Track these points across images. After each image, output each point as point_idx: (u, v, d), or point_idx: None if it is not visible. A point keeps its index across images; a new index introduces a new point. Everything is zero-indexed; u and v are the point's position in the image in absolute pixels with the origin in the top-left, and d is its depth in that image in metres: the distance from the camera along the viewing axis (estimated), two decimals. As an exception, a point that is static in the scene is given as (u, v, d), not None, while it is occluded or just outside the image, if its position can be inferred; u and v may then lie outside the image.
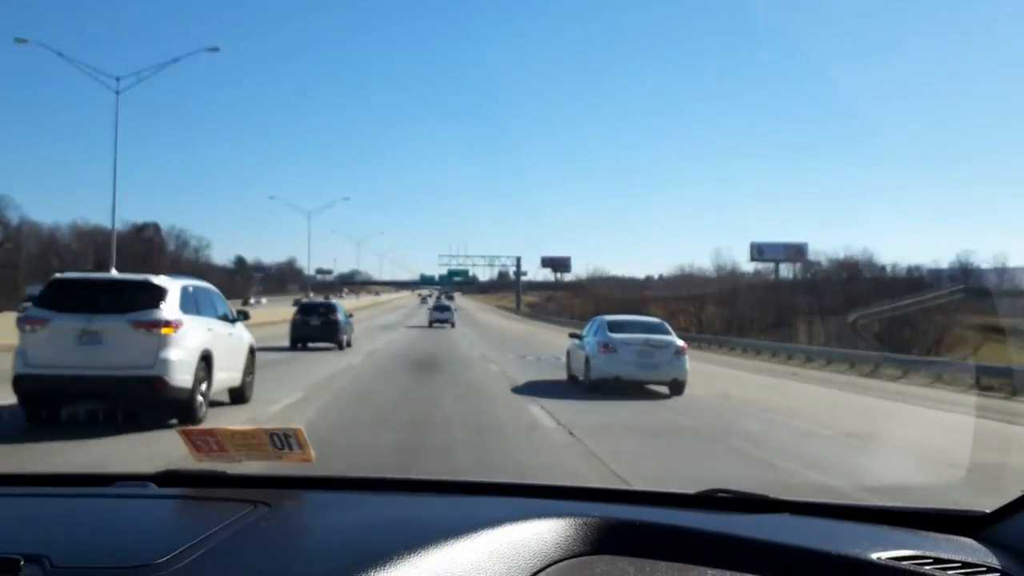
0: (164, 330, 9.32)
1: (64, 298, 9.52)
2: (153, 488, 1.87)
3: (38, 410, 9.34)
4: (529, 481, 2.02)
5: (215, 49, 36.54)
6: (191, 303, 10.11)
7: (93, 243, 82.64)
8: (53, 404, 9.44)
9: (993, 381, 19.94)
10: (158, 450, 7.61)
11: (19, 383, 9.21)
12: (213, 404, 10.48)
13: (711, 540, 1.52)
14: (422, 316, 61.27)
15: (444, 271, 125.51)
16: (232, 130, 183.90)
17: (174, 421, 9.33)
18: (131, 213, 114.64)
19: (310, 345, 25.36)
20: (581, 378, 15.90)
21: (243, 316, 12.20)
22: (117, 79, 32.44)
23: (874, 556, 1.45)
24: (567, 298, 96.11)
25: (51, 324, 9.30)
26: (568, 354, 17.84)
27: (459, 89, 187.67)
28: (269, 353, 20.06)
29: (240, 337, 11.71)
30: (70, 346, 9.17)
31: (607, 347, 15.03)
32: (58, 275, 10.17)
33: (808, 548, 1.47)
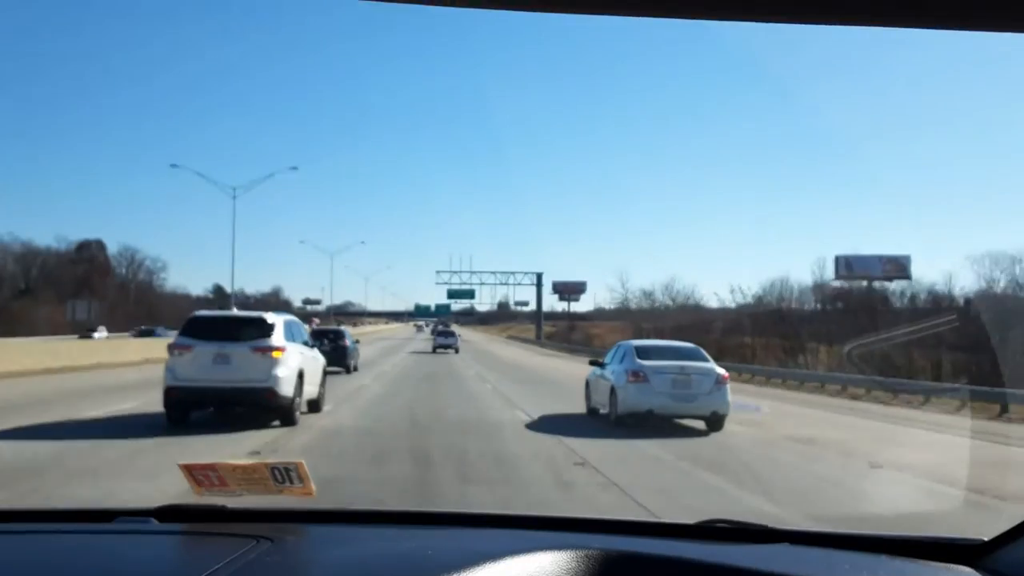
0: (275, 354, 12.35)
1: (202, 329, 12.62)
2: (154, 524, 1.87)
3: (179, 414, 12.23)
4: (531, 513, 2.02)
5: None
6: (290, 333, 13.22)
7: (22, 263, 79.66)
8: (192, 409, 12.47)
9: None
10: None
11: (169, 393, 12.17)
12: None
13: (712, 571, 1.52)
14: (419, 344, 61.91)
15: (440, 300, 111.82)
16: (226, 149, 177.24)
17: (276, 422, 12.30)
18: (88, 232, 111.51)
19: None
20: (604, 411, 14.24)
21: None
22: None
23: None
24: (587, 327, 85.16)
25: (194, 349, 12.36)
26: (587, 384, 15.95)
27: (459, 116, 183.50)
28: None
29: (317, 359, 14.60)
30: (207, 365, 12.18)
31: (637, 376, 13.26)
32: (197, 313, 13.77)
33: None
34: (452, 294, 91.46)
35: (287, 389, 12.28)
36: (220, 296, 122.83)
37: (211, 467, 1.89)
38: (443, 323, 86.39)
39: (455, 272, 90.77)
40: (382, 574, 1.45)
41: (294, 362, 12.76)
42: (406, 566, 1.48)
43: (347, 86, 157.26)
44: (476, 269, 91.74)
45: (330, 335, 28.65)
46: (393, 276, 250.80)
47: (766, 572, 1.50)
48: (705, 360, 14.05)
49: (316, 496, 1.90)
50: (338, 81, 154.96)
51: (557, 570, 1.48)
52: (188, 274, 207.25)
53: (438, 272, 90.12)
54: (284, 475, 1.87)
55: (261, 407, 12.30)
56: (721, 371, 13.71)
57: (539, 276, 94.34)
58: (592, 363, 16.27)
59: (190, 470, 1.89)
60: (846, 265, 58.86)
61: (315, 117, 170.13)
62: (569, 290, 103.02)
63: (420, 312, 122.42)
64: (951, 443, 13.90)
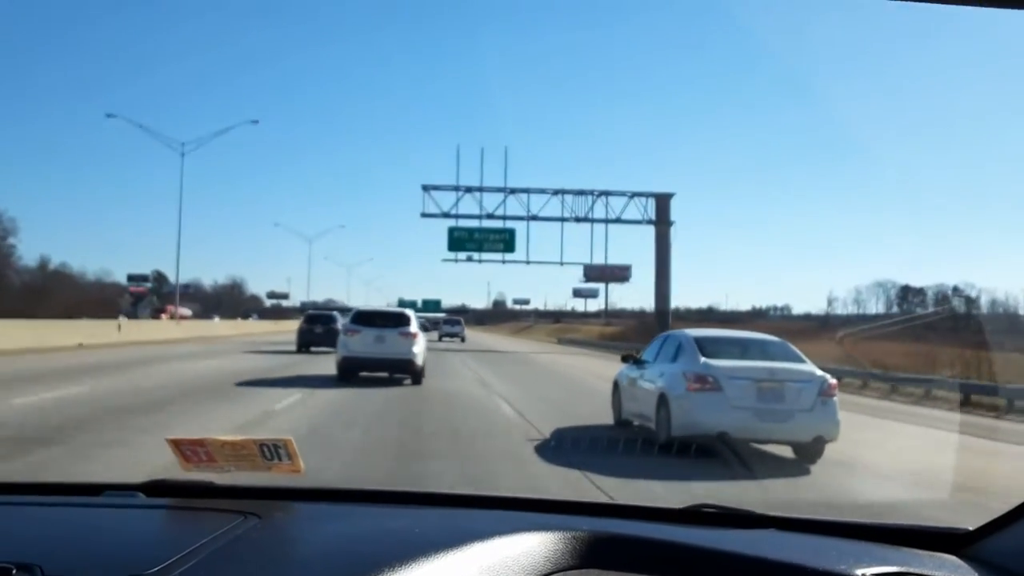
0: (413, 336, 18.50)
1: (364, 319, 19.12)
2: (142, 498, 1.87)
3: (348, 374, 18.16)
4: (519, 495, 2.03)
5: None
6: (418, 324, 19.28)
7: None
8: (356, 371, 18.26)
9: None
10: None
11: (343, 361, 18.45)
12: (395, 382, 17.90)
13: (698, 555, 1.53)
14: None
15: (428, 296, 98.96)
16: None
17: (408, 380, 18.11)
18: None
19: (312, 349, 30.28)
20: (639, 424, 10.86)
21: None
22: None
23: (859, 572, 1.46)
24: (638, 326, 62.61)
25: (361, 332, 18.56)
26: (617, 387, 12.09)
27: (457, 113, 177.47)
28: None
29: (424, 340, 19.53)
30: (370, 343, 18.26)
31: (704, 382, 9.47)
32: (360, 308, 21.69)
33: (793, 563, 1.49)
34: (458, 240, 48.08)
35: (420, 360, 18.35)
36: (160, 284, 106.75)
37: (199, 442, 1.89)
38: (452, 318, 64.40)
39: (460, 189, 46.45)
40: (370, 551, 1.46)
41: (422, 343, 18.82)
42: (394, 543, 1.48)
43: (333, 62, 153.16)
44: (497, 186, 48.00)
45: (323, 319, 31.93)
46: (377, 271, 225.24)
47: (752, 556, 1.51)
48: (800, 360, 10.09)
49: (304, 474, 1.90)
50: (319, 53, 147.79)
51: (544, 550, 1.49)
52: (122, 256, 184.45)
53: (426, 190, 46.51)
54: (273, 451, 1.87)
55: (403, 371, 18.16)
56: (827, 377, 9.68)
57: (661, 198, 47.93)
58: (625, 359, 12.45)
59: (178, 445, 1.88)
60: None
61: (295, 91, 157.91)
62: (607, 276, 70.74)
63: (404, 308, 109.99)
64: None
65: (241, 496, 1.90)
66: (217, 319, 67.77)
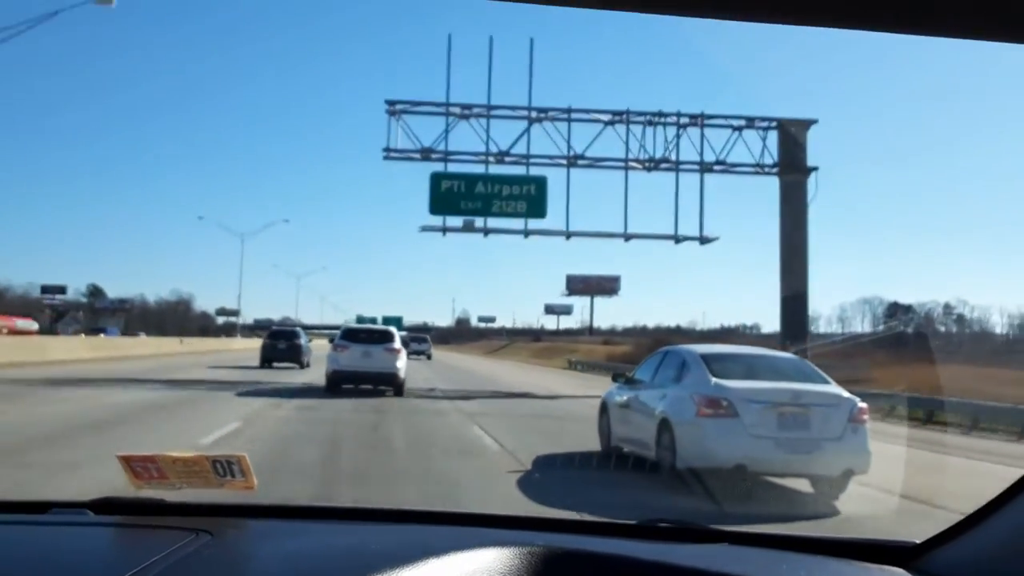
0: (397, 352, 19.99)
1: (352, 336, 20.58)
2: (90, 516, 1.83)
3: (336, 386, 19.43)
4: (474, 511, 2.03)
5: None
6: (401, 341, 20.76)
7: None
8: (344, 383, 19.54)
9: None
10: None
11: (332, 374, 19.66)
12: (378, 392, 19.18)
13: (653, 569, 1.55)
14: None
15: (384, 313, 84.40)
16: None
17: (390, 391, 19.33)
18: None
19: (275, 364, 31.11)
20: (647, 455, 9.09)
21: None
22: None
23: None
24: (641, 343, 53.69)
25: (349, 348, 19.90)
26: (604, 410, 10.85)
27: None
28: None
29: (406, 356, 20.99)
30: (357, 358, 19.59)
31: (717, 406, 8.28)
32: (347, 326, 24.29)
33: None
34: (448, 196, 25.36)
35: (402, 374, 19.86)
36: (96, 296, 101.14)
37: (151, 459, 1.86)
38: (418, 335, 59.04)
39: (450, 109, 25.47)
40: (323, 567, 1.44)
41: (404, 358, 20.33)
42: (349, 560, 1.47)
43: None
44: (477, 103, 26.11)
45: (286, 335, 33.28)
46: (331, 282, 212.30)
47: (706, 571, 1.53)
48: (823, 380, 8.92)
49: (257, 490, 1.88)
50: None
51: (500, 566, 1.49)
52: (58, 268, 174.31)
53: (394, 111, 25.47)
54: (226, 468, 1.85)
55: (387, 384, 19.55)
56: (856, 400, 8.46)
57: (793, 125, 26.60)
58: (616, 377, 11.22)
59: (128, 461, 1.85)
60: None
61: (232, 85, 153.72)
62: (592, 288, 60.79)
63: (363, 324, 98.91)
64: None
65: (193, 513, 1.88)
66: (143, 335, 62.59)
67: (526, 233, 25.82)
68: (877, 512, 7.96)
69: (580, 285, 60.36)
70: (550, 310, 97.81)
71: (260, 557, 1.63)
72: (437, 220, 25.45)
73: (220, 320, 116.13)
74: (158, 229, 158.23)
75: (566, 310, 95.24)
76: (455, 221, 25.67)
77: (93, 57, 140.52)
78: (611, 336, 77.82)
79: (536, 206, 25.28)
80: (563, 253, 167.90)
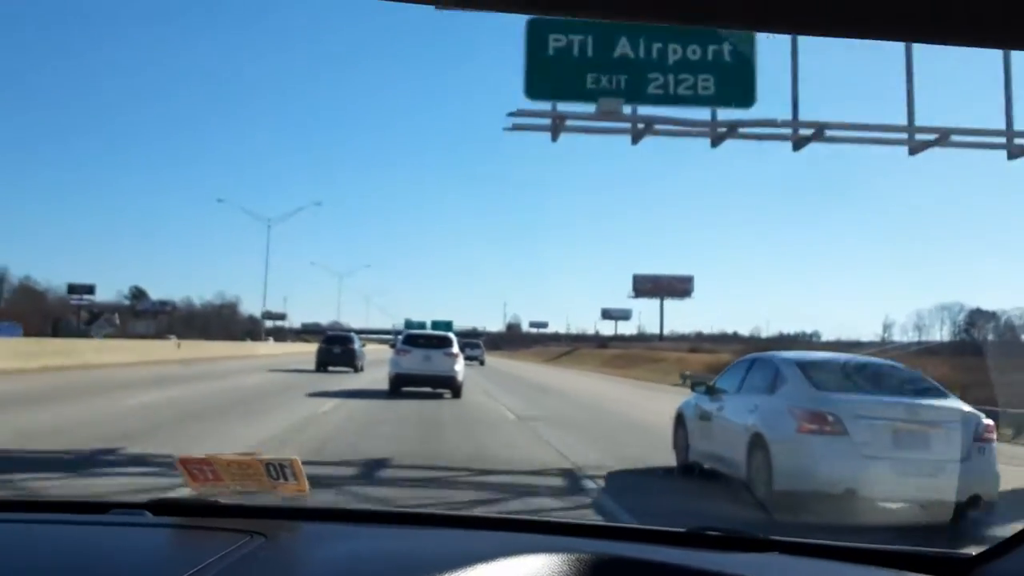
0: (455, 356, 21.25)
1: (413, 340, 21.88)
2: (149, 516, 1.88)
3: (398, 388, 20.62)
4: (522, 516, 2.03)
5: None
6: (458, 345, 22.19)
7: None
8: (405, 385, 20.61)
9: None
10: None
11: (395, 377, 20.87)
12: (436, 395, 20.03)
13: None
14: None
15: (432, 318, 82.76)
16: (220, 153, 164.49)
17: (448, 394, 20.33)
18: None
19: (330, 368, 32.23)
20: (735, 474, 8.24)
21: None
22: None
23: None
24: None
25: (411, 352, 21.09)
26: (681, 421, 10.04)
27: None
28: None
29: (463, 360, 22.13)
30: (418, 361, 20.81)
31: (822, 421, 7.30)
32: (409, 331, 25.27)
33: None
34: (559, 60, 11.71)
35: (460, 377, 21.03)
36: (137, 299, 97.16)
37: (206, 461, 1.90)
38: (472, 341, 54.30)
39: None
40: (374, 571, 1.46)
41: (462, 362, 21.61)
42: (398, 565, 1.49)
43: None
44: None
45: (341, 340, 34.76)
46: (376, 281, 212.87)
47: None
48: (942, 394, 7.91)
49: (309, 493, 1.91)
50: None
51: (548, 573, 1.49)
52: (99, 269, 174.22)
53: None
54: (279, 471, 1.88)
55: (446, 386, 20.74)
56: (981, 417, 7.55)
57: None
58: (695, 387, 10.41)
59: (185, 464, 1.90)
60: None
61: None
62: (663, 289, 49.82)
63: (412, 329, 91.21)
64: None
65: (246, 515, 1.91)
66: (174, 338, 59.98)
67: (715, 136, 12.59)
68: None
69: (648, 286, 51.36)
70: (607, 315, 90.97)
71: (312, 560, 1.66)
72: (533, 105, 12.23)
73: (269, 324, 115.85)
74: (206, 230, 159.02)
75: (624, 315, 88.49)
76: (572, 107, 12.35)
77: (148, 61, 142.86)
78: (684, 343, 69.41)
79: (736, 83, 12.18)
80: (623, 252, 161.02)
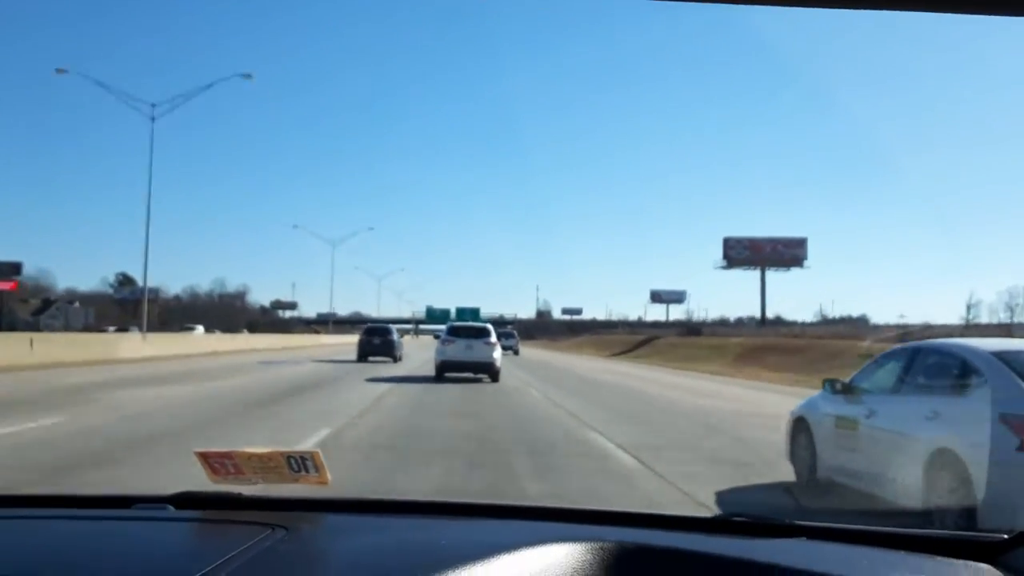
0: (494, 345, 24.19)
1: (456, 331, 24.66)
2: (171, 510, 1.88)
3: (443, 373, 23.86)
4: (546, 504, 2.02)
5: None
6: (496, 335, 24.97)
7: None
8: (449, 371, 23.86)
9: None
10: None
11: (440, 364, 24.11)
12: (473, 380, 23.31)
13: (729, 565, 1.52)
14: None
15: (457, 304, 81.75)
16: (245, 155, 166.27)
17: (487, 379, 23.73)
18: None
19: (370, 359, 34.81)
20: (909, 502, 6.43)
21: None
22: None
23: None
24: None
25: (456, 341, 24.07)
26: (803, 428, 8.41)
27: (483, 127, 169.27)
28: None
29: (500, 348, 25.15)
30: (461, 350, 23.93)
31: None
32: (452, 323, 26.50)
33: (826, 573, 1.47)
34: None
35: (498, 363, 24.03)
36: (123, 287, 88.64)
37: (227, 455, 1.90)
38: (505, 331, 47.66)
39: None
40: (397, 563, 1.46)
41: (499, 350, 24.52)
42: (420, 555, 1.48)
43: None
44: None
45: (380, 332, 36.88)
46: (404, 276, 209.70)
47: (783, 566, 1.49)
48: None
49: (331, 485, 1.91)
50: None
51: (572, 562, 1.48)
52: (97, 259, 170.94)
53: None
54: (300, 464, 1.88)
55: (485, 372, 23.81)
56: None
57: None
58: (835, 386, 8.08)
59: (206, 457, 1.90)
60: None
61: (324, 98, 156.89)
62: (764, 256, 39.67)
63: (435, 318, 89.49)
64: None
65: (268, 508, 1.91)
66: (201, 329, 61.12)
67: None
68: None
69: (745, 253, 37.25)
70: (657, 297, 79.60)
71: (334, 552, 1.66)
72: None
73: (286, 315, 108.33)
74: (209, 220, 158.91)
75: (679, 297, 76.09)
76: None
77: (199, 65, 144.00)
78: (790, 327, 50.48)
79: None
80: (672, 226, 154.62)
